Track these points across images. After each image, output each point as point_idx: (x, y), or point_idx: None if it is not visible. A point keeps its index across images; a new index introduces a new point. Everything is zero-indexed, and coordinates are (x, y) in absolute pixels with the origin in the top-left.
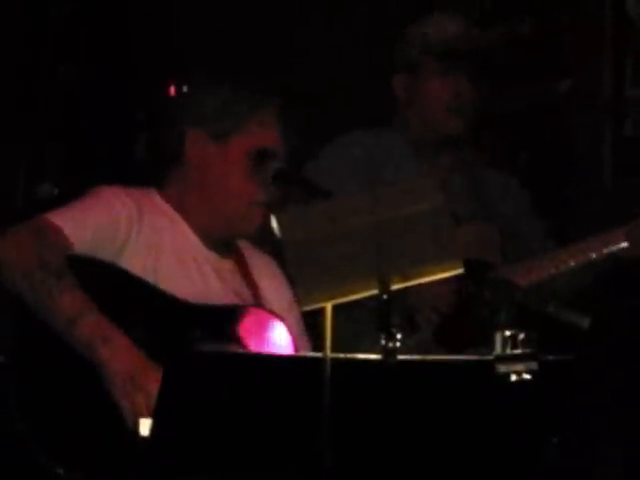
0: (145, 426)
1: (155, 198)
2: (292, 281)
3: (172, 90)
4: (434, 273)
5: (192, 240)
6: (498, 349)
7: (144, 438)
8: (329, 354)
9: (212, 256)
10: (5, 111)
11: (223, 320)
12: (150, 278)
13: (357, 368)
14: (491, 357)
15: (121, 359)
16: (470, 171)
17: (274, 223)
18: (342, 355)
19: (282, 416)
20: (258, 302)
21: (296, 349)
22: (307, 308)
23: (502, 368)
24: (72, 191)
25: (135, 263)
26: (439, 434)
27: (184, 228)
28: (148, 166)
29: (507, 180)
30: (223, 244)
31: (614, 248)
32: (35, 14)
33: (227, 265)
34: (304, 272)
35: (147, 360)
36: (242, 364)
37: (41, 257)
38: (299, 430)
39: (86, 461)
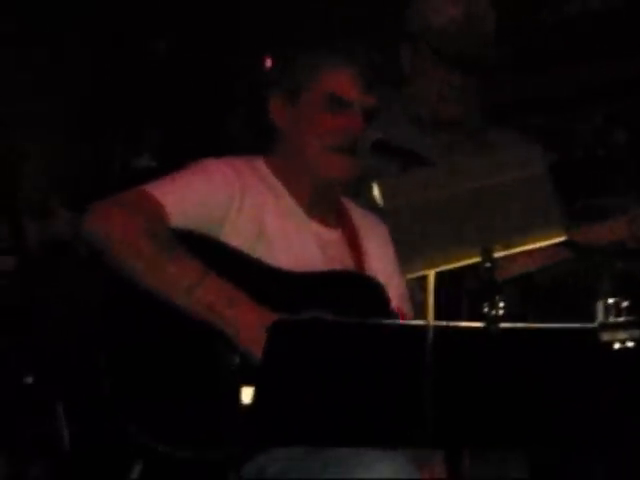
0: (247, 394)
1: (260, 166)
2: (395, 249)
3: (268, 62)
4: (537, 241)
5: (294, 211)
6: (600, 317)
7: (246, 406)
8: (432, 322)
9: (315, 227)
10: (102, 85)
11: (325, 287)
12: (250, 252)
13: (460, 335)
14: (595, 325)
15: (251, 316)
16: (476, 141)
17: (375, 191)
18: (445, 323)
19: (385, 384)
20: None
21: (401, 316)
22: (409, 276)
23: (605, 336)
24: (169, 163)
25: (235, 238)
26: (541, 402)
27: (286, 198)
28: (248, 137)
29: (520, 141)
30: (328, 211)
31: (616, 237)
32: None
33: (332, 236)
34: (406, 240)
35: (275, 314)
36: (345, 332)
37: (148, 229)
38: (402, 398)
39: (193, 438)
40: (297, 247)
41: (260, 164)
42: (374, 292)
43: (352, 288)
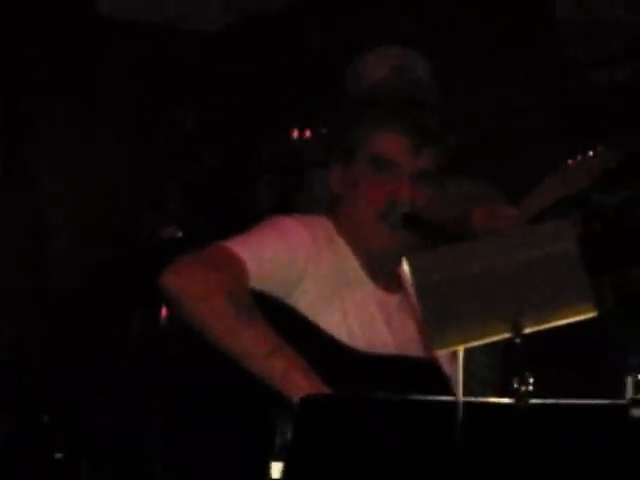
0: (276, 470)
1: (328, 226)
2: (424, 324)
3: (295, 134)
4: (568, 316)
5: (359, 275)
6: (630, 393)
7: None
8: (461, 397)
9: (379, 293)
10: (129, 156)
11: (387, 371)
12: (317, 319)
13: (489, 411)
14: (624, 401)
15: (323, 391)
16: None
17: (405, 267)
18: (474, 398)
19: (414, 460)
20: (424, 340)
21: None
22: (439, 352)
23: (636, 412)
24: (195, 233)
25: (304, 302)
26: (572, 479)
27: (352, 260)
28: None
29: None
30: (389, 274)
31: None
32: (153, 63)
33: (394, 300)
34: (436, 316)
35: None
36: (373, 408)
37: (230, 291)
38: (432, 475)
39: None
40: (363, 315)
41: (328, 224)
42: (442, 384)
43: (420, 378)
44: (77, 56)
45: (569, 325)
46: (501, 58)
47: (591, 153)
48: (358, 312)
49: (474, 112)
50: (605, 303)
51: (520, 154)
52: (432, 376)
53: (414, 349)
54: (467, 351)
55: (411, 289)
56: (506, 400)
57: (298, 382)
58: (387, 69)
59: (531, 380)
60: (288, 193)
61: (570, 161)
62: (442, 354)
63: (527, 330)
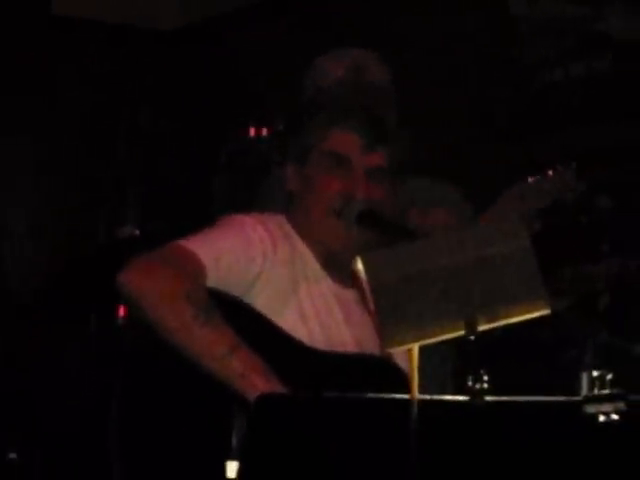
0: (232, 469)
1: (286, 227)
2: (378, 322)
3: (252, 131)
4: (521, 314)
5: (318, 273)
6: (585, 390)
7: None
8: (416, 395)
9: (336, 288)
10: (88, 154)
11: (345, 370)
12: (275, 317)
13: (444, 409)
14: (579, 398)
15: (278, 392)
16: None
17: (359, 265)
18: (429, 396)
19: (369, 458)
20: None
21: None
22: (393, 349)
23: (590, 409)
24: (152, 232)
25: (262, 300)
26: (527, 476)
27: (308, 256)
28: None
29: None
30: (344, 269)
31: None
32: (115, 64)
33: (349, 296)
34: (390, 314)
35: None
36: (327, 406)
37: (188, 290)
38: (386, 473)
39: None
40: (322, 311)
41: (284, 222)
42: (400, 382)
43: (378, 376)
44: (30, 56)
45: (525, 322)
46: (454, 58)
47: (550, 172)
48: (316, 309)
49: (429, 113)
50: (562, 300)
51: (475, 154)
52: (389, 374)
53: (373, 345)
54: (422, 348)
55: (366, 287)
56: (461, 398)
57: (255, 382)
58: (342, 70)
59: (486, 378)
60: (245, 192)
61: (530, 179)
62: (398, 351)
63: (481, 328)
